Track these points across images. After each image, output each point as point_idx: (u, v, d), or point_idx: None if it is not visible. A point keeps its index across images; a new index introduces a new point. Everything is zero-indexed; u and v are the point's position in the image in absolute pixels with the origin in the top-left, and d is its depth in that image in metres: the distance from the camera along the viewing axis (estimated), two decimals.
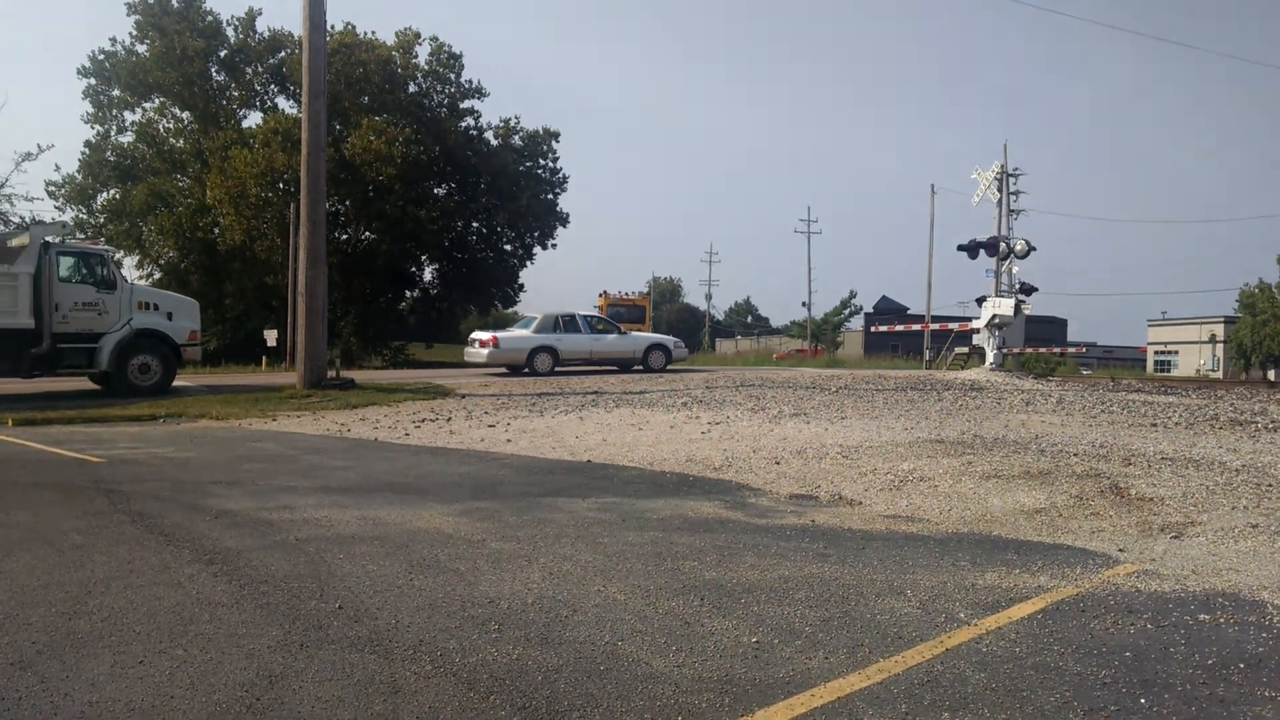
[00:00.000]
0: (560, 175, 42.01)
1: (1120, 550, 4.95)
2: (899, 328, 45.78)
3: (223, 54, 39.40)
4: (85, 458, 8.25)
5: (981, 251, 24.38)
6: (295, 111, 37.01)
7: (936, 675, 3.07)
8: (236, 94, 40.72)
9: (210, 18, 38.68)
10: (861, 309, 61.88)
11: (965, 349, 28.73)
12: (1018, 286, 23.58)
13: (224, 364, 29.82)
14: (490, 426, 10.78)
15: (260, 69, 40.43)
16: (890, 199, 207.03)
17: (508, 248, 42.01)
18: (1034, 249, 23.84)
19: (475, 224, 41.39)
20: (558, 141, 41.51)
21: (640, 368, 20.86)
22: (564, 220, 42.25)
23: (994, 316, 22.80)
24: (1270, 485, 6.82)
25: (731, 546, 4.88)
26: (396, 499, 6.22)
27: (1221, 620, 3.72)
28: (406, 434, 10.30)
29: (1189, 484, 6.83)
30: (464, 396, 14.64)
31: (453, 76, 40.14)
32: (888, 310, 66.21)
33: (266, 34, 39.83)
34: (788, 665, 3.14)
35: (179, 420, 12.06)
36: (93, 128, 39.69)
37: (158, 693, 2.84)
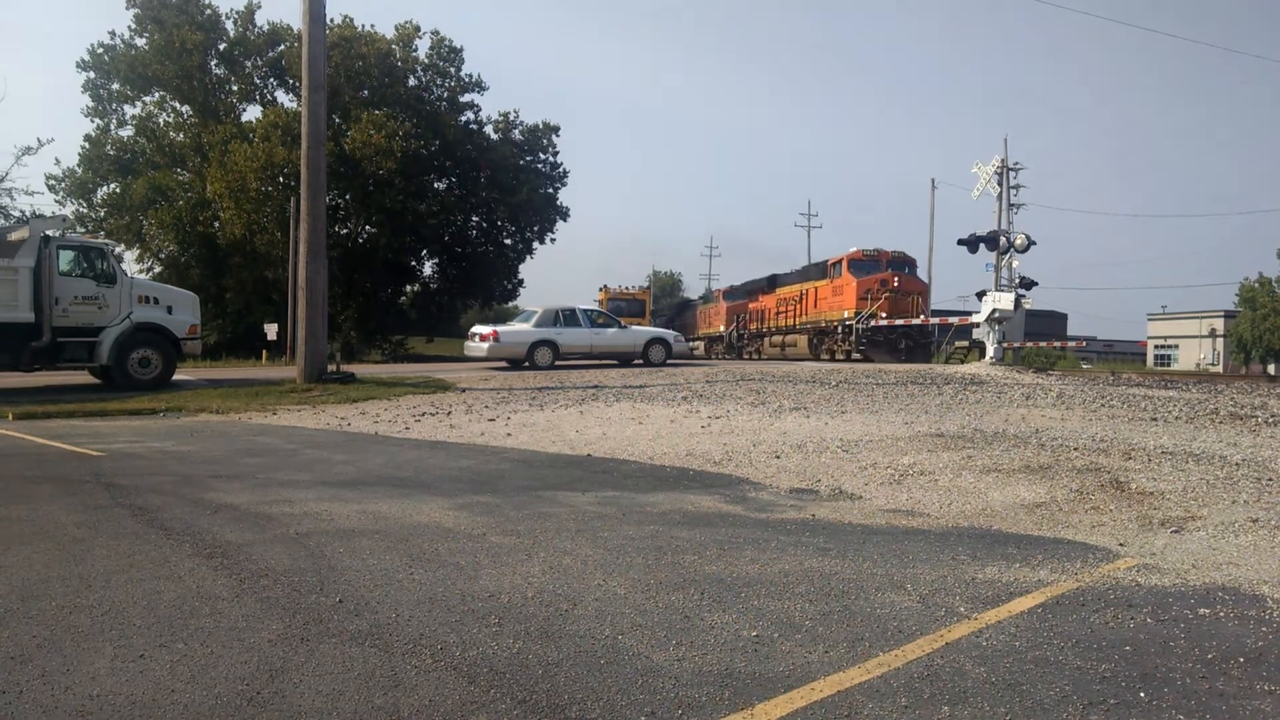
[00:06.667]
0: (560, 169, 41.98)
1: (1120, 544, 4.94)
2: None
3: (222, 47, 39.33)
4: (85, 451, 8.26)
5: (981, 246, 24.32)
6: (295, 105, 36.96)
7: (936, 669, 3.07)
8: (236, 88, 40.65)
9: (209, 11, 38.60)
10: None
11: (965, 343, 28.71)
12: (1018, 280, 23.53)
13: (224, 358, 29.86)
14: (490, 420, 10.78)
15: (259, 62, 40.36)
16: (890, 194, 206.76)
17: (508, 242, 42.00)
18: (1034, 243, 23.79)
19: (475, 218, 41.36)
20: (558, 135, 41.50)
21: (640, 362, 20.86)
22: (564, 214, 42.23)
23: (994, 310, 22.75)
24: (1270, 480, 6.82)
25: (731, 541, 4.88)
26: (397, 493, 6.22)
27: (1221, 614, 3.71)
28: (407, 428, 10.29)
29: (1189, 478, 6.83)
30: (464, 390, 14.64)
31: (453, 70, 40.06)
32: None
33: (265, 27, 39.77)
34: (788, 659, 3.14)
35: (179, 414, 12.06)
36: (93, 121, 39.70)
37: (158, 686, 2.84)
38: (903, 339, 22.93)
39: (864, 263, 25.10)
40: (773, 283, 32.84)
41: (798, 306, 27.48)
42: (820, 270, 27.34)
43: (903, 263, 25.08)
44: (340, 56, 35.28)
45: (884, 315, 23.11)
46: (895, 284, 23.88)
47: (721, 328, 38.18)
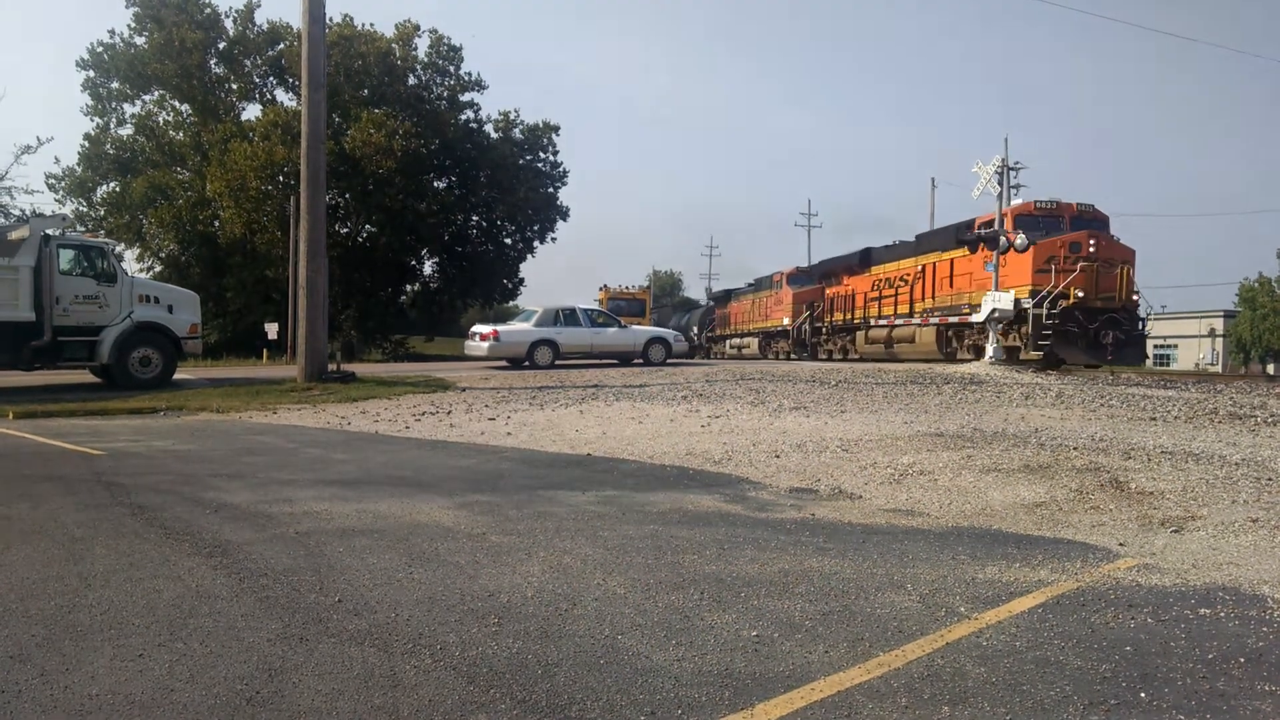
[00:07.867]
0: (560, 169, 42.06)
1: (1120, 544, 4.94)
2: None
3: (221, 46, 39.38)
4: (86, 450, 8.25)
5: (981, 245, 24.29)
6: (294, 104, 36.97)
7: (936, 669, 3.07)
8: (235, 86, 40.69)
9: (209, 9, 38.65)
10: None
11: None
12: None
13: (224, 357, 29.87)
14: (490, 420, 10.78)
15: (259, 61, 40.42)
16: (891, 192, 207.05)
17: (507, 241, 42.07)
18: (1034, 243, 23.75)
19: (475, 217, 41.45)
20: (558, 135, 41.59)
21: (640, 361, 20.87)
22: (564, 213, 42.31)
23: (993, 310, 22.73)
24: (1270, 479, 6.81)
25: (731, 540, 4.88)
26: (396, 492, 6.22)
27: (1222, 614, 3.71)
28: (407, 427, 10.29)
29: (1189, 478, 6.82)
30: (464, 390, 14.64)
31: (452, 69, 40.14)
32: None
33: (265, 26, 39.84)
34: (788, 659, 3.14)
35: (179, 413, 12.06)
36: (92, 120, 39.73)
37: (157, 686, 2.84)
38: (1107, 329, 16.10)
39: (1039, 220, 17.71)
40: (866, 259, 25.29)
41: (913, 288, 20.50)
42: (948, 236, 19.73)
43: (1092, 219, 17.47)
44: (340, 55, 35.30)
45: (1078, 294, 16.16)
46: (1092, 249, 16.14)
47: (785, 320, 30.73)
